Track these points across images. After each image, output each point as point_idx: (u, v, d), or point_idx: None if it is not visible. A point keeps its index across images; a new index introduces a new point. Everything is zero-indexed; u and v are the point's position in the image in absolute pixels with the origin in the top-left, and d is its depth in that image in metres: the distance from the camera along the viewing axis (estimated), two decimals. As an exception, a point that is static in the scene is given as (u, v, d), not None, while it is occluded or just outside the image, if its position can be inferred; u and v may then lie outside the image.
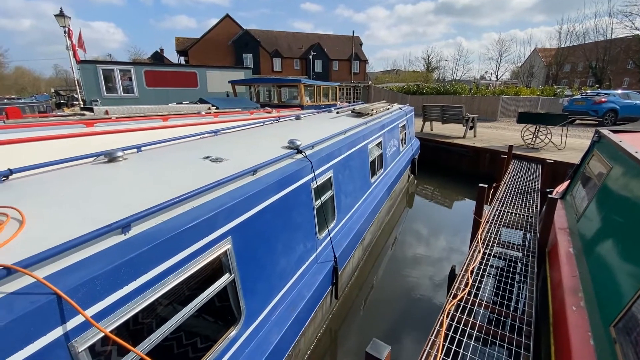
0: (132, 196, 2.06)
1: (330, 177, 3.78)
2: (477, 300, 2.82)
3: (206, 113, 6.59)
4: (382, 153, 6.18)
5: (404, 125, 8.47)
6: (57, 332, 1.27)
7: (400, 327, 3.94)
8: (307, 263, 3.20)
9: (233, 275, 2.20)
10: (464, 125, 11.87)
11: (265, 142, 3.82)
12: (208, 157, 2.98)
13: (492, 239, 3.93)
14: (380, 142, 6.07)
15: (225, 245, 2.14)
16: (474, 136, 11.90)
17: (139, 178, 2.42)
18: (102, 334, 1.38)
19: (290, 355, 2.81)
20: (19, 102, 19.30)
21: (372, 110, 6.77)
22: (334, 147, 4.02)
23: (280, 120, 5.91)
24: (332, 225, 3.80)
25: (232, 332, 2.22)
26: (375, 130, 5.83)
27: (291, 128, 4.96)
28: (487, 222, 4.40)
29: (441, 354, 2.14)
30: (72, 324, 1.31)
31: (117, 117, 5.15)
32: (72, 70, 14.98)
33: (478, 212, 4.35)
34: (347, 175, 4.34)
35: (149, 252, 1.63)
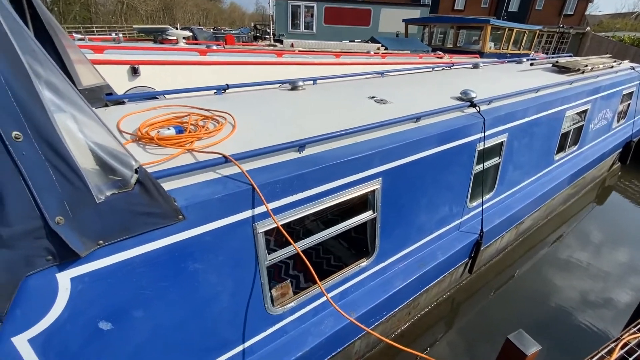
0: (308, 122, 2.33)
1: (502, 142, 3.22)
2: (683, 350, 2.04)
3: (375, 53, 6.53)
4: (582, 125, 4.74)
5: (631, 93, 6.09)
6: (248, 213, 1.66)
7: (532, 331, 3.36)
8: (448, 227, 3.01)
9: (375, 214, 2.29)
10: None
11: (433, 90, 3.51)
12: (373, 97, 2.99)
13: None
14: (584, 111, 4.62)
15: (375, 185, 2.21)
16: None
17: (314, 107, 2.69)
18: (274, 225, 1.72)
19: (409, 305, 2.88)
20: (231, 33, 24.19)
21: (585, 66, 5.08)
22: (516, 106, 3.31)
23: (453, 67, 5.24)
24: (488, 196, 3.35)
25: (363, 263, 2.40)
26: (582, 95, 4.43)
27: (465, 77, 4.34)
28: None
29: (601, 385, 1.72)
30: (257, 210, 1.68)
31: (299, 50, 5.76)
32: (269, 6, 17.26)
33: None
34: (524, 144, 3.59)
35: (315, 172, 1.85)
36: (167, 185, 1.47)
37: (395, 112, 2.61)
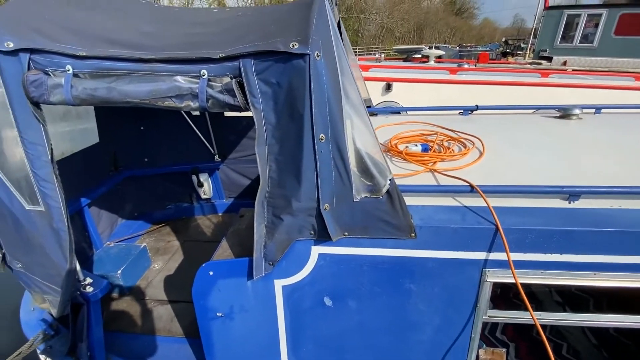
0: (583, 163, 1.78)
1: None
2: None
3: None
4: None
5: None
6: (481, 255, 1.45)
7: None
8: None
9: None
10: None
11: None
12: None
13: None
14: None
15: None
16: None
17: (595, 145, 2.04)
18: (511, 280, 1.41)
19: None
20: (476, 50, 22.94)
21: None
22: None
23: None
24: None
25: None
26: None
27: None
28: None
29: None
30: (493, 256, 1.44)
31: (573, 70, 4.60)
32: (534, 18, 14.98)
33: None
34: None
35: (590, 235, 1.36)
36: (406, 201, 1.50)
37: None
